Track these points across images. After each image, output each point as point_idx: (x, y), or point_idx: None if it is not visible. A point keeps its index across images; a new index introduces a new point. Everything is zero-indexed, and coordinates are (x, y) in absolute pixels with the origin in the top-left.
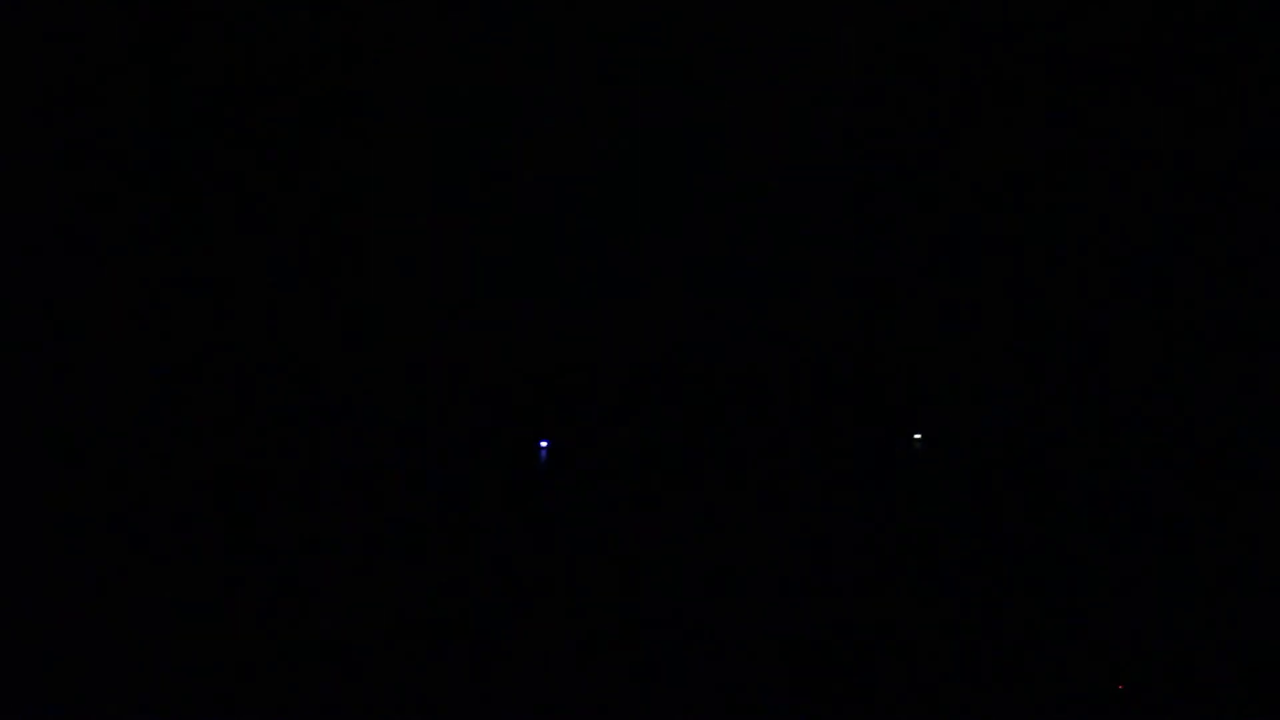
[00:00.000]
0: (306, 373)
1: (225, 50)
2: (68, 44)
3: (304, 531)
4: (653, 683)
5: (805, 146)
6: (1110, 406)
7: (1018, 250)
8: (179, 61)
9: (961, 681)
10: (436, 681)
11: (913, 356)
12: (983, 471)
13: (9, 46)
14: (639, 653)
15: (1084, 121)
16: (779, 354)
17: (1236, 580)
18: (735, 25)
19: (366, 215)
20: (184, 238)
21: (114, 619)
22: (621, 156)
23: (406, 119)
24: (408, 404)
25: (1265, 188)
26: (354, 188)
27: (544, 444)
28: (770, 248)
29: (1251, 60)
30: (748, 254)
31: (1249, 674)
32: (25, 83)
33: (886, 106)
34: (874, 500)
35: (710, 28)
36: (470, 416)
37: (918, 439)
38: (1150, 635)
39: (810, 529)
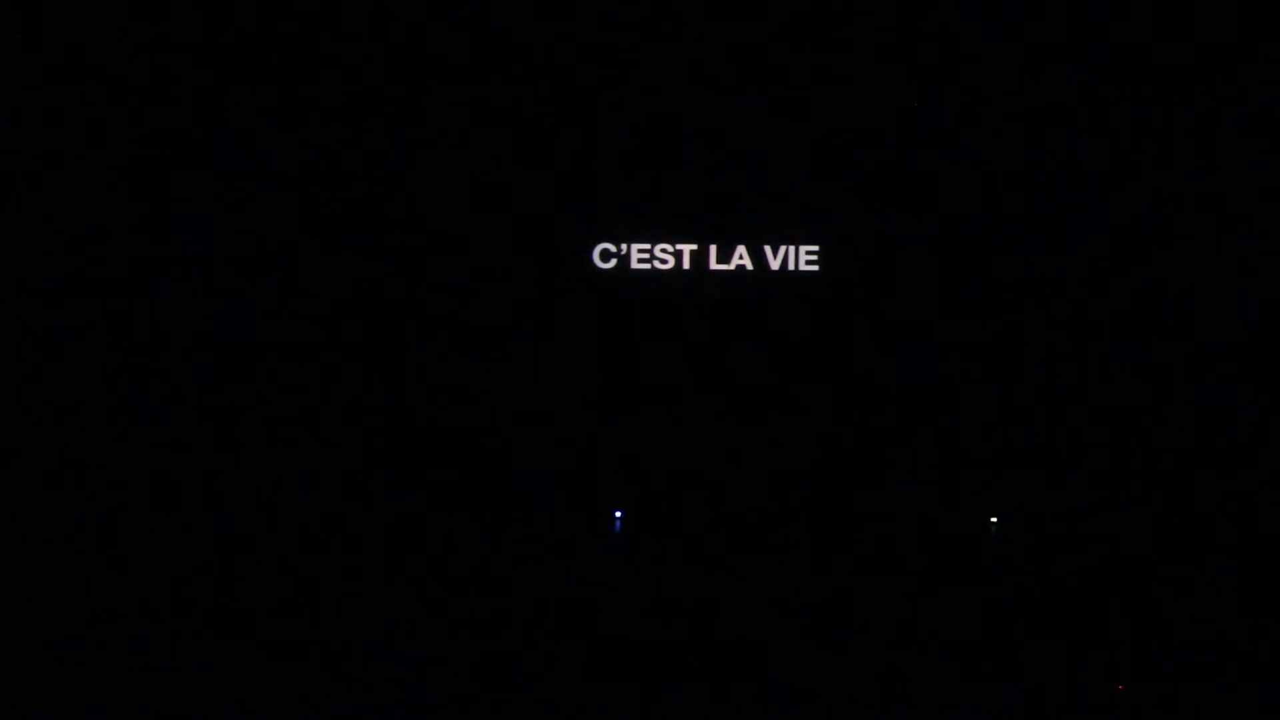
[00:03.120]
0: (388, 432)
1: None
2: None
3: (378, 590)
4: None
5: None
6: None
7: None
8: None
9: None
10: None
11: (989, 441)
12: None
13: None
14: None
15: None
16: (858, 431)
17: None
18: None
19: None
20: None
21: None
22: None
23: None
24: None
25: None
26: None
27: (619, 514)
28: (854, 322)
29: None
30: (831, 327)
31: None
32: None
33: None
34: (949, 582)
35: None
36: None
37: (994, 522)
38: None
39: (882, 608)
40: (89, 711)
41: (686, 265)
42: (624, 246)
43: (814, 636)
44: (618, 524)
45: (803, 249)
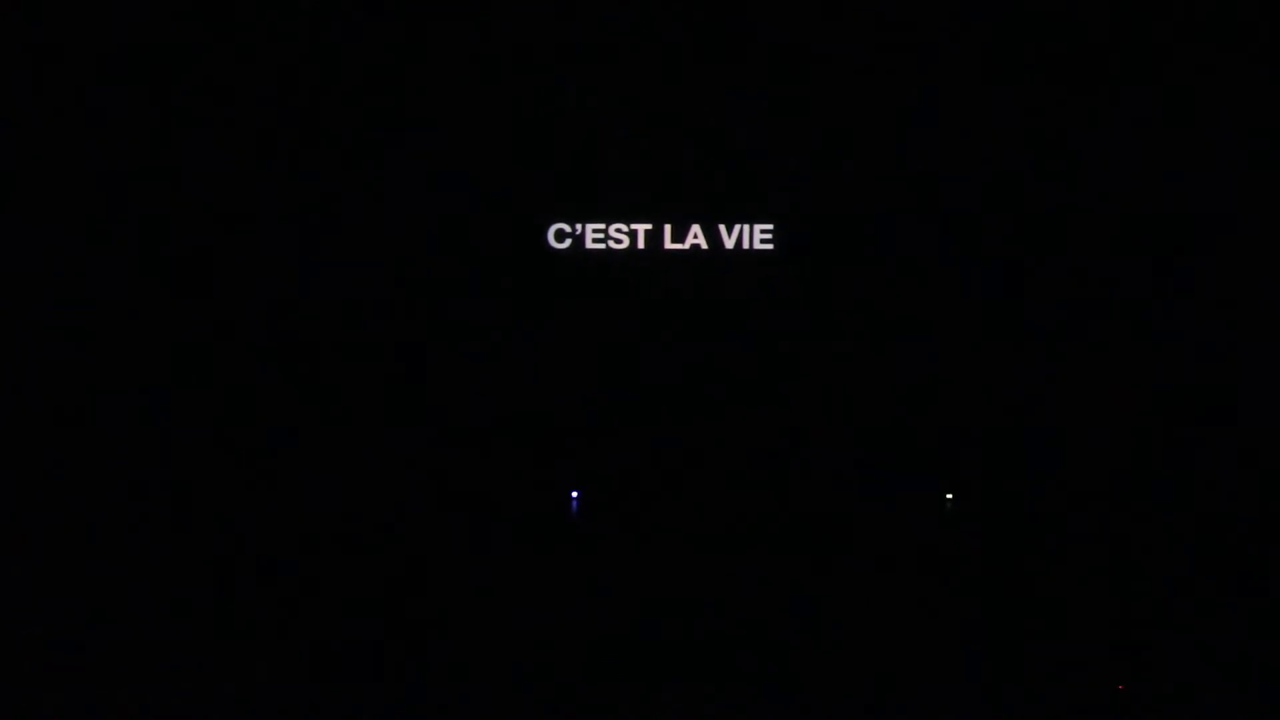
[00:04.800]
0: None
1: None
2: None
3: (334, 576)
4: None
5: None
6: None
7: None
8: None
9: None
10: None
11: (946, 415)
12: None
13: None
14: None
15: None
16: (815, 409)
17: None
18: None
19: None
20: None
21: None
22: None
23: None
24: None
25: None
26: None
27: (575, 494)
28: (808, 301)
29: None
30: (786, 306)
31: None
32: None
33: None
34: (906, 557)
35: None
36: (502, 464)
37: (949, 499)
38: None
39: (840, 583)
40: (89, 711)
41: (641, 245)
42: (578, 227)
43: (776, 623)
44: (574, 504)
45: (757, 228)
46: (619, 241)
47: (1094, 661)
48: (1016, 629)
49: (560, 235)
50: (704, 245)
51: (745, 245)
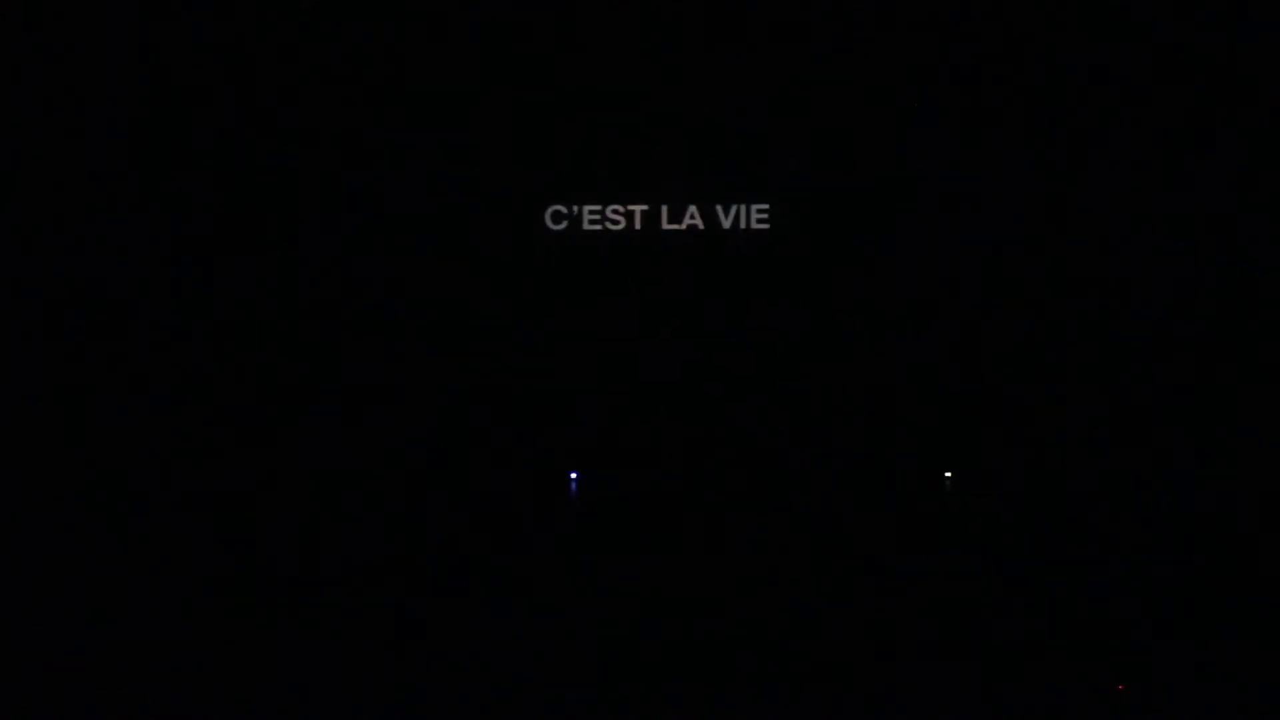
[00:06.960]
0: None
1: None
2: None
3: (332, 566)
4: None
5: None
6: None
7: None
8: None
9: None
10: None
11: (944, 394)
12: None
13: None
14: (662, 685)
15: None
16: (812, 389)
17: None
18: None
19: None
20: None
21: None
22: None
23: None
24: (439, 433)
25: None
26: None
27: (574, 475)
28: (805, 280)
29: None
30: (782, 286)
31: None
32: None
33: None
34: (903, 537)
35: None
36: (501, 446)
37: (948, 477)
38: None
39: (838, 565)
40: (89, 712)
41: (638, 226)
42: (575, 208)
43: (775, 610)
44: (573, 485)
45: (754, 208)
46: (616, 223)
47: (1094, 661)
48: (1017, 628)
49: (557, 217)
50: (701, 225)
51: (742, 225)
